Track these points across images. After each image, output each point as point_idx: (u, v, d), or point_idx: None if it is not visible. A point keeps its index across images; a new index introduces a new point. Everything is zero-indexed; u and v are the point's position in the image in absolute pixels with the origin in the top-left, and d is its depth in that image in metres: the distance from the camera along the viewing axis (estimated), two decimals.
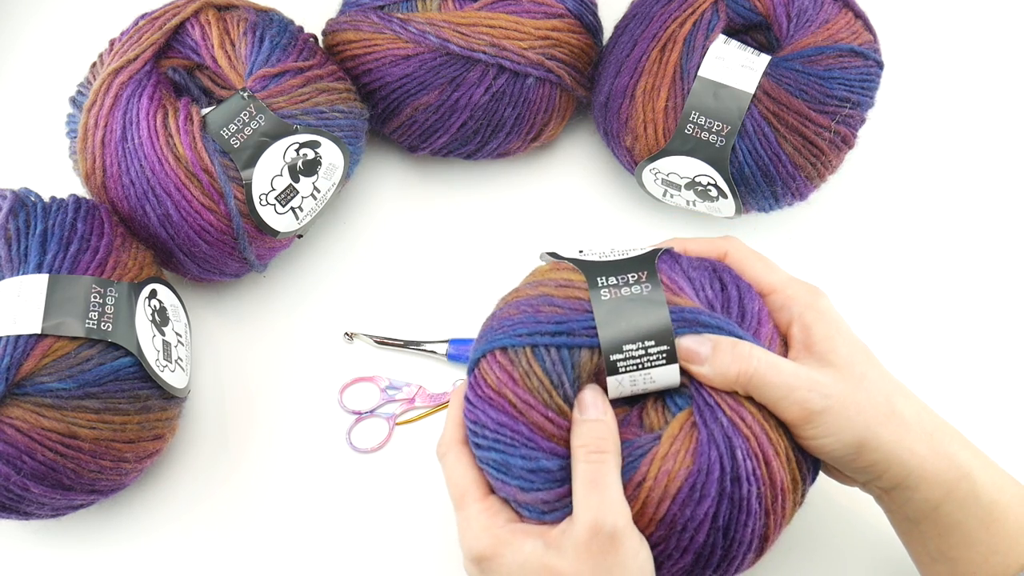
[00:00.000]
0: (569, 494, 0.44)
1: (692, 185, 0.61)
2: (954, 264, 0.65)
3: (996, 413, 0.61)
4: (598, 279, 0.46)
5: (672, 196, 0.63)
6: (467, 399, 0.47)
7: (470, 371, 0.47)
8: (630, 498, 0.43)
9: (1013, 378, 0.62)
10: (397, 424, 0.61)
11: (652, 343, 0.44)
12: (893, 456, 0.44)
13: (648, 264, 0.47)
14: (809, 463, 0.46)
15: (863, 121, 0.60)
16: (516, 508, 0.46)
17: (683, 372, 0.45)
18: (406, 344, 0.62)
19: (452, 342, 0.62)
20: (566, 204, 0.68)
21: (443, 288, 0.65)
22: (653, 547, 0.44)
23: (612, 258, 0.48)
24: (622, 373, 0.45)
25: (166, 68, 0.60)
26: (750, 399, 0.44)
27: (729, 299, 0.47)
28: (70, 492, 0.52)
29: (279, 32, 0.60)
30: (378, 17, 0.62)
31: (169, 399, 0.55)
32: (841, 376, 0.44)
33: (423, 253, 0.66)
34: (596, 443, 0.43)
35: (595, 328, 0.45)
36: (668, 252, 0.48)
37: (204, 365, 0.62)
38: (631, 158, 0.62)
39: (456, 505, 0.47)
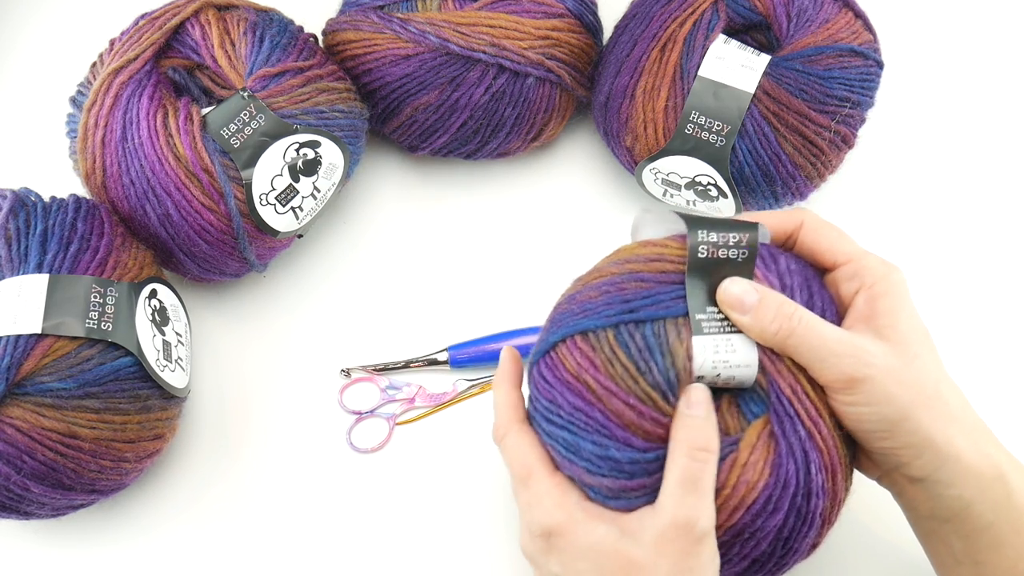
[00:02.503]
0: (634, 490, 0.43)
1: (692, 185, 0.61)
2: (954, 264, 0.65)
3: (996, 413, 0.61)
4: (699, 232, 0.45)
5: (672, 196, 0.63)
6: (543, 379, 0.46)
7: (541, 355, 0.46)
8: None
9: (1013, 378, 0.62)
10: (397, 424, 0.61)
11: None
12: (930, 441, 0.43)
13: (751, 231, 0.45)
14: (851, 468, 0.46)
15: (863, 121, 0.60)
16: (582, 487, 0.45)
17: (760, 371, 0.44)
18: (407, 364, 0.62)
19: (451, 348, 0.62)
20: (566, 204, 0.68)
21: (443, 288, 0.65)
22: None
23: (717, 216, 0.47)
24: (706, 334, 0.44)
25: (166, 68, 0.60)
26: (826, 407, 0.44)
27: (811, 300, 0.45)
28: (70, 492, 0.52)
29: (279, 32, 0.60)
30: (378, 17, 0.62)
31: (169, 399, 0.55)
32: (892, 351, 0.43)
33: (423, 253, 0.66)
34: (704, 441, 0.42)
35: (683, 299, 0.44)
36: (767, 246, 0.47)
37: (204, 365, 0.62)
38: (631, 158, 0.62)
39: (521, 482, 0.46)
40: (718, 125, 0.58)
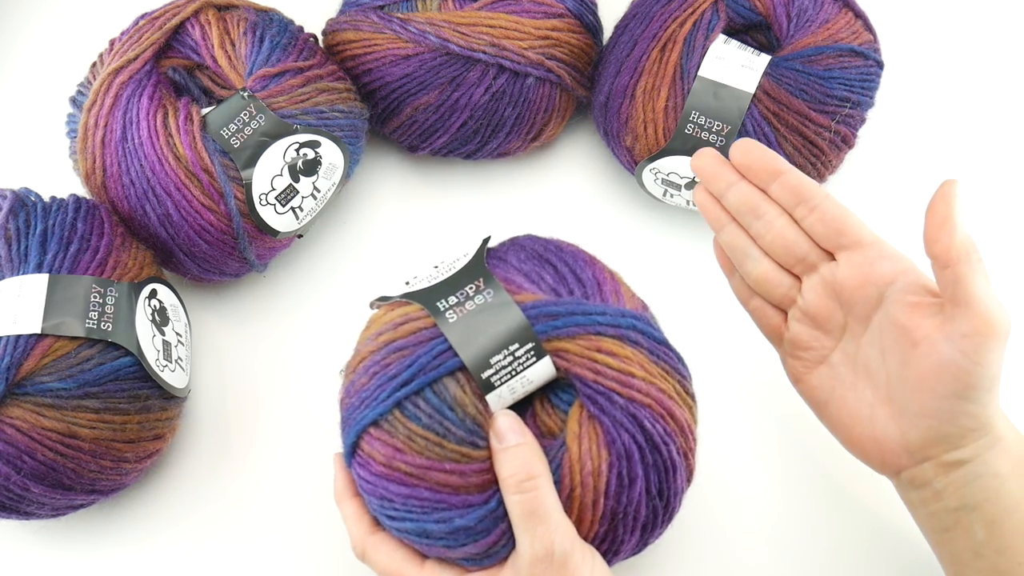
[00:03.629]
0: (498, 541, 0.43)
1: (692, 185, 0.61)
2: None
3: None
4: (438, 304, 0.44)
5: (672, 196, 0.63)
6: (362, 479, 0.45)
7: (351, 455, 0.46)
8: (567, 511, 0.43)
9: (1013, 376, 0.62)
10: None
11: (516, 346, 0.43)
12: (985, 413, 0.43)
13: (480, 270, 0.45)
14: (686, 371, 0.46)
15: (863, 121, 0.60)
16: (452, 562, 0.45)
17: (555, 362, 0.44)
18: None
19: None
20: (566, 204, 0.68)
21: None
22: (602, 541, 0.44)
23: (444, 276, 0.46)
24: (499, 387, 0.44)
25: (166, 68, 0.60)
26: (611, 366, 0.43)
27: (564, 277, 0.46)
28: (70, 492, 0.52)
29: (279, 32, 0.60)
30: (378, 17, 0.62)
31: (169, 399, 0.55)
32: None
33: (423, 253, 0.66)
34: (524, 470, 0.42)
35: (448, 351, 0.43)
36: (492, 252, 0.47)
37: (204, 365, 0.62)
38: (631, 158, 0.62)
39: None
40: (718, 125, 0.58)
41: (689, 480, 0.46)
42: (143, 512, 0.58)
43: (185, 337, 0.58)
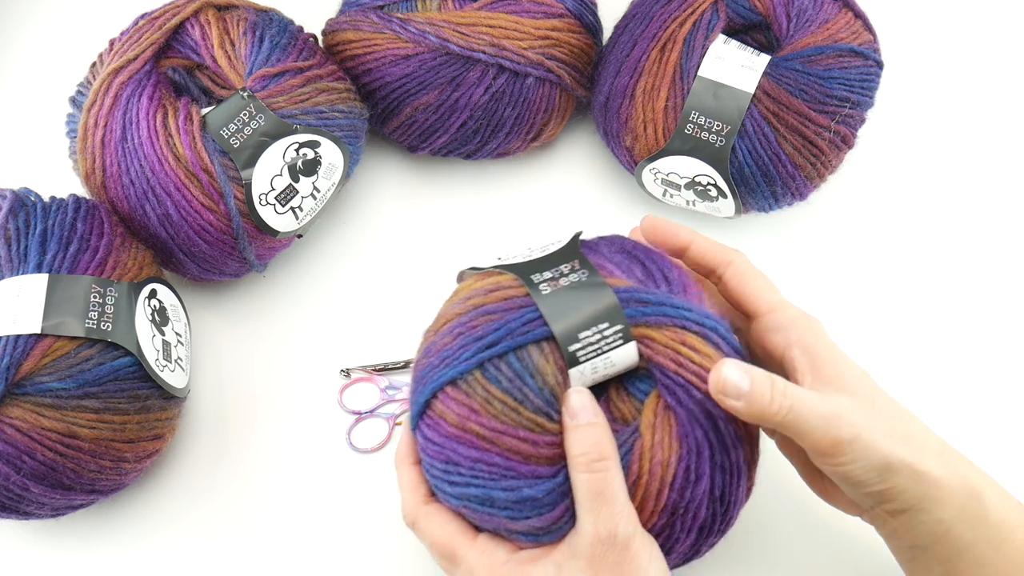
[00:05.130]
0: (561, 517, 0.43)
1: (692, 185, 0.61)
2: (954, 264, 0.65)
3: (996, 413, 0.61)
4: (532, 276, 0.45)
5: (672, 196, 0.63)
6: (429, 440, 0.45)
7: (419, 416, 0.46)
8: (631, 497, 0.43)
9: (1013, 377, 0.62)
10: (397, 424, 0.61)
11: (606, 325, 0.43)
12: (912, 478, 0.43)
13: (575, 253, 0.46)
14: None
15: (863, 121, 0.60)
16: (509, 536, 0.45)
17: (639, 350, 0.44)
18: (407, 364, 0.62)
19: None
20: (566, 204, 0.68)
21: (443, 288, 0.64)
22: (657, 536, 0.44)
23: (537, 255, 0.47)
24: (583, 363, 0.44)
25: (166, 68, 0.60)
26: (693, 360, 0.44)
27: (652, 274, 0.46)
28: (70, 492, 0.52)
29: (279, 32, 0.60)
30: (378, 17, 0.62)
31: (169, 399, 0.55)
32: (856, 402, 0.43)
33: (423, 253, 0.66)
34: (596, 450, 0.42)
35: (538, 320, 0.43)
36: (583, 242, 0.48)
37: (204, 365, 0.62)
38: (631, 158, 0.62)
39: (448, 561, 0.45)
40: (718, 125, 0.58)
41: (748, 494, 0.46)
42: (143, 512, 0.58)
43: (185, 337, 0.58)
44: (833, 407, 0.43)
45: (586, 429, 0.42)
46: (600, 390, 0.46)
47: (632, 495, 0.43)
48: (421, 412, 0.45)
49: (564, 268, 0.45)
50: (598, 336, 0.43)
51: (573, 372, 0.44)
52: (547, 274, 0.45)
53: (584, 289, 0.44)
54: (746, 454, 0.45)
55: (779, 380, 0.43)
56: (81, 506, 0.54)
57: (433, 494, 0.47)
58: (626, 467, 0.43)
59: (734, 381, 0.42)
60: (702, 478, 0.43)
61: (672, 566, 0.45)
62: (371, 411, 0.61)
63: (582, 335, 0.43)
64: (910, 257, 0.66)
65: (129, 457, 0.53)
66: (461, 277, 0.49)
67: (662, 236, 0.50)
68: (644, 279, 0.46)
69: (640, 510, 0.43)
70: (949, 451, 0.45)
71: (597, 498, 0.42)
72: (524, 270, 0.45)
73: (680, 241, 0.49)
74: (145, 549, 0.57)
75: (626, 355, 0.44)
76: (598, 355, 0.44)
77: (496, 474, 0.43)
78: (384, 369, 0.62)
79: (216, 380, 0.62)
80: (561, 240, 0.48)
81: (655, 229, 0.50)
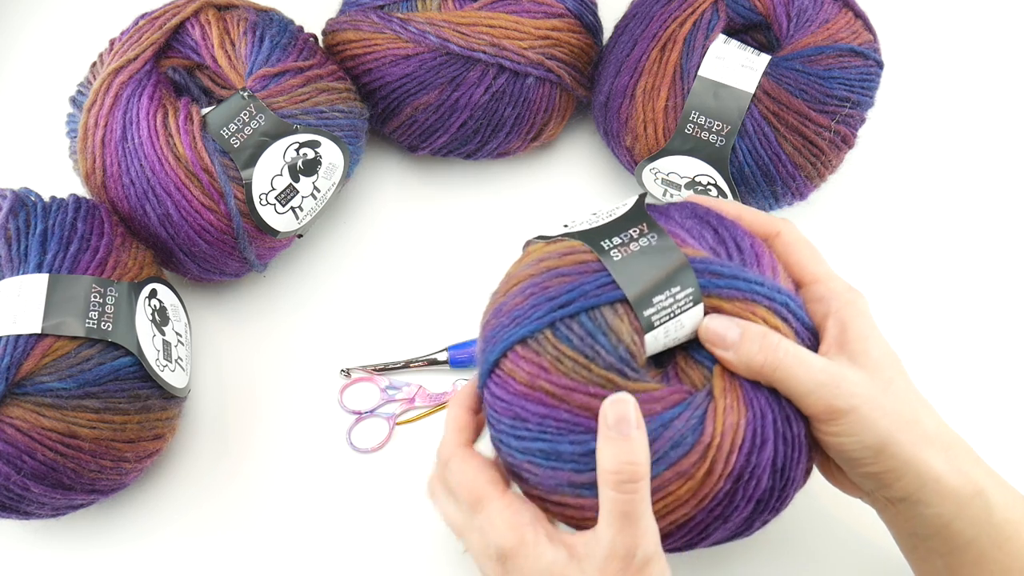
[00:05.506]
0: None
1: (692, 185, 0.61)
2: (954, 264, 0.65)
3: (996, 413, 0.61)
4: (602, 242, 0.45)
5: (672, 196, 0.63)
6: (497, 398, 0.45)
7: (487, 375, 0.46)
8: (700, 460, 0.42)
9: (1013, 377, 0.62)
10: (397, 424, 0.61)
11: (678, 288, 0.44)
12: (910, 465, 0.43)
13: (643, 216, 0.46)
14: None
15: (863, 121, 0.60)
16: (571, 494, 0.44)
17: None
18: (407, 364, 0.62)
19: (451, 348, 0.62)
20: (566, 204, 0.68)
21: (443, 288, 0.65)
22: (719, 503, 0.43)
23: (603, 221, 0.47)
24: (657, 327, 0.44)
25: (166, 68, 0.60)
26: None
27: (724, 241, 0.46)
28: (70, 492, 0.52)
29: (279, 32, 0.60)
30: (378, 17, 0.62)
31: (169, 399, 0.55)
32: (870, 378, 0.43)
33: (423, 253, 0.66)
34: (629, 471, 0.41)
35: (611, 284, 0.43)
36: (652, 206, 0.48)
37: (204, 365, 0.62)
38: (631, 158, 0.62)
39: (473, 506, 0.45)
40: (718, 125, 0.58)
41: (807, 474, 0.46)
42: (143, 512, 0.58)
43: (185, 337, 0.58)
44: (834, 375, 0.43)
45: (622, 443, 0.41)
46: (667, 358, 0.46)
47: (703, 458, 0.43)
48: (490, 371, 0.45)
49: (633, 232, 0.45)
50: (671, 300, 0.44)
51: (649, 337, 0.44)
52: (616, 240, 0.45)
53: (655, 253, 0.44)
54: (807, 432, 0.45)
55: (773, 336, 0.43)
56: (81, 506, 0.54)
57: (473, 443, 0.47)
58: (700, 430, 0.43)
59: (714, 328, 0.43)
60: (767, 443, 0.43)
61: (723, 539, 0.45)
62: (371, 411, 0.61)
63: (656, 299, 0.43)
64: (910, 257, 0.66)
65: (129, 457, 0.53)
66: (528, 246, 0.49)
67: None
68: (716, 246, 0.46)
69: (709, 473, 0.43)
70: (959, 448, 0.45)
71: (623, 518, 0.41)
72: (593, 236, 0.45)
73: (727, 216, 0.48)
74: (145, 549, 0.57)
75: (696, 318, 0.44)
76: (671, 319, 0.44)
77: (564, 429, 0.43)
78: (384, 369, 0.62)
79: (216, 380, 0.62)
80: (626, 203, 0.48)
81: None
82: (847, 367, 0.44)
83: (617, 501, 0.41)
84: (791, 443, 0.44)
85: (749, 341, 0.43)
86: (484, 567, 0.45)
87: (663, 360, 0.47)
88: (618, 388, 0.43)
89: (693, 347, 0.46)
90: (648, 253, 0.44)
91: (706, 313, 0.45)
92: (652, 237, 0.45)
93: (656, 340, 0.44)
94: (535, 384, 0.43)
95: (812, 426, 0.44)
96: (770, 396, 0.44)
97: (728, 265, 0.45)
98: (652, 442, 0.42)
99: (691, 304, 0.44)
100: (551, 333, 0.43)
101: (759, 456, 0.43)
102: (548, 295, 0.44)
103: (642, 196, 0.48)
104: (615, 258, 0.44)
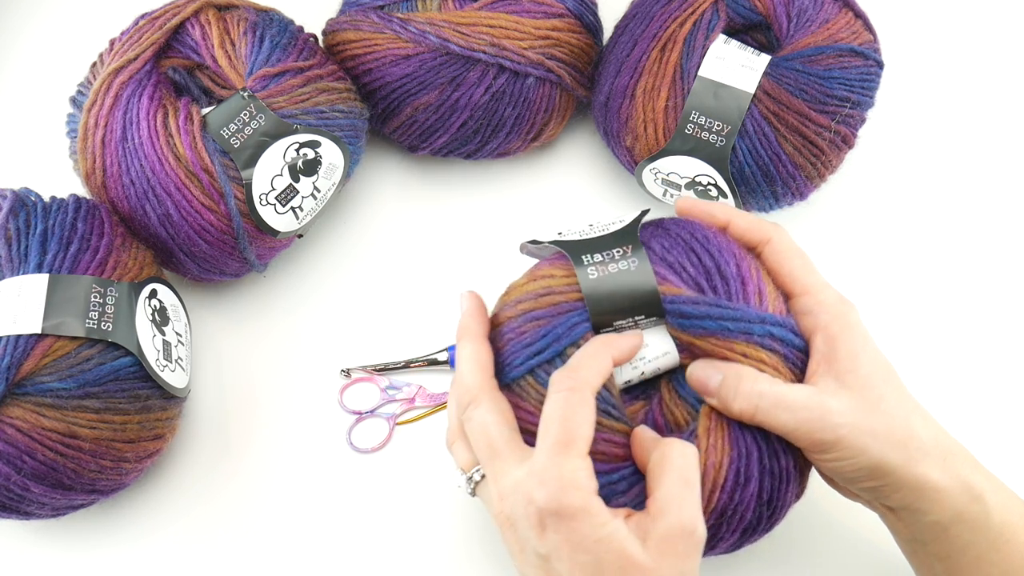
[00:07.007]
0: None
1: (692, 185, 0.61)
2: (954, 264, 0.65)
3: (995, 413, 0.61)
4: (584, 257, 0.45)
5: (672, 196, 0.63)
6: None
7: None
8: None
9: (1013, 377, 0.62)
10: (397, 424, 0.61)
11: (642, 317, 0.44)
12: (906, 479, 0.43)
13: (632, 238, 0.46)
14: None
15: (863, 121, 0.60)
16: None
17: (687, 355, 0.45)
18: (407, 364, 0.62)
19: (451, 348, 0.62)
20: (566, 204, 0.68)
21: (443, 288, 0.65)
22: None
23: (595, 234, 0.47)
24: None
25: (166, 68, 0.60)
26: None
27: (709, 272, 0.46)
28: (70, 492, 0.52)
29: (279, 32, 0.60)
30: (378, 17, 0.62)
31: (169, 399, 0.55)
32: (857, 400, 0.43)
33: (423, 253, 0.66)
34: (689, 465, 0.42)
35: (583, 321, 0.44)
36: (648, 224, 0.48)
37: (204, 365, 0.62)
38: (631, 158, 0.62)
39: (557, 447, 0.41)
40: (718, 125, 0.58)
41: (798, 496, 0.46)
42: (143, 512, 0.58)
43: (185, 337, 0.58)
44: (816, 408, 0.43)
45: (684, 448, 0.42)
46: (653, 392, 0.47)
47: None
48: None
49: (616, 252, 0.45)
50: (631, 326, 0.44)
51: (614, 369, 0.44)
52: (598, 256, 0.45)
53: (628, 277, 0.44)
54: (797, 461, 0.45)
55: (748, 380, 0.43)
56: (81, 506, 0.54)
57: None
58: None
59: (697, 376, 0.44)
60: (751, 481, 0.43)
61: (711, 556, 0.46)
62: (371, 411, 0.61)
63: (616, 323, 0.44)
64: (910, 257, 0.66)
65: (129, 457, 0.53)
66: (523, 249, 0.50)
67: (697, 219, 0.48)
68: (697, 277, 0.45)
69: None
70: (956, 454, 0.45)
71: (687, 486, 0.41)
72: (577, 249, 0.46)
73: (717, 222, 0.48)
74: (145, 549, 0.57)
75: (662, 347, 0.45)
76: None
77: None
78: (384, 369, 0.62)
79: (216, 380, 0.62)
80: (623, 219, 0.48)
81: (689, 212, 0.49)
82: (831, 395, 0.43)
83: (683, 466, 0.41)
84: (778, 476, 0.44)
85: (726, 389, 0.43)
86: (517, 524, 0.42)
87: (649, 390, 0.47)
88: (602, 427, 0.43)
89: (679, 382, 0.46)
90: (622, 277, 0.44)
91: (681, 354, 0.45)
92: (632, 261, 0.45)
93: (621, 372, 0.45)
94: (524, 427, 0.44)
95: (804, 454, 0.45)
96: (757, 434, 0.44)
97: (702, 302, 0.44)
98: (635, 483, 0.43)
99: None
100: (532, 379, 0.45)
101: (742, 493, 0.44)
102: (524, 342, 0.45)
103: (642, 213, 0.48)
104: (591, 276, 0.45)
